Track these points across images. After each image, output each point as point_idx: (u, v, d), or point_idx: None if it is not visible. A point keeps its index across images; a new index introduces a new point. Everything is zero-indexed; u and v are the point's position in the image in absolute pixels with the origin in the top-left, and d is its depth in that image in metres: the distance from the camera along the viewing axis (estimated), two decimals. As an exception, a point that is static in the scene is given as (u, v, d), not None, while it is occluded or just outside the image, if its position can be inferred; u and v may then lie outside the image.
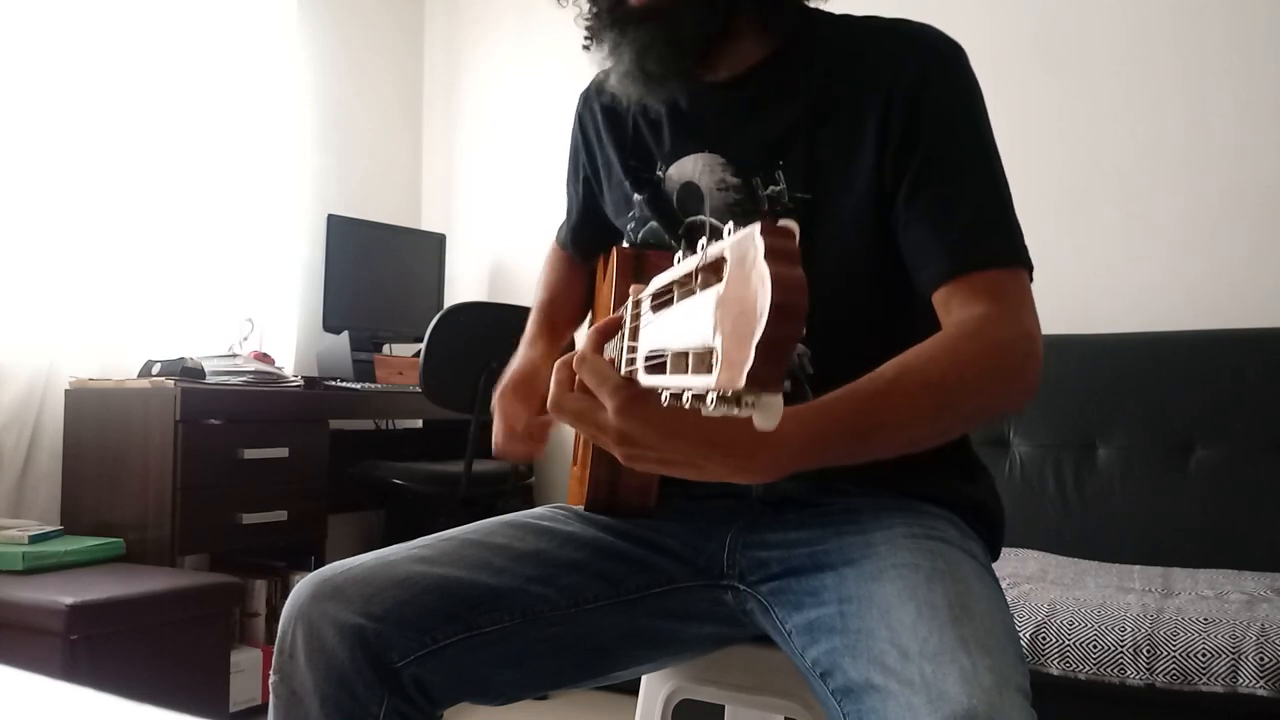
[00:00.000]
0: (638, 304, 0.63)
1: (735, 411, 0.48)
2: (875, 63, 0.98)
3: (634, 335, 0.63)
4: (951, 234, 0.93)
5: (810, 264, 1.00)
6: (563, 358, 0.73)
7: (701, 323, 0.50)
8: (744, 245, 0.47)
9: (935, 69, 0.97)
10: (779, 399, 0.47)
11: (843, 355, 0.96)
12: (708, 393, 0.48)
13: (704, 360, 0.49)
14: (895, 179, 0.96)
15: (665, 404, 0.54)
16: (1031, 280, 0.95)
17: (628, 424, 0.68)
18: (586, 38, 1.04)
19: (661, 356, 0.55)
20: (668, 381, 0.53)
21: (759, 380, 0.44)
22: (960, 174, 0.95)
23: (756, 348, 0.44)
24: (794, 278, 0.45)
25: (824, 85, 1.00)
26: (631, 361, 0.62)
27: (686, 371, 0.51)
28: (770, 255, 0.45)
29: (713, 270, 0.50)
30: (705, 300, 0.50)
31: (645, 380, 0.58)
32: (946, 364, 0.84)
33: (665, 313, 0.56)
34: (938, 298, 0.93)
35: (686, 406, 0.51)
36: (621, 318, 0.68)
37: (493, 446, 1.13)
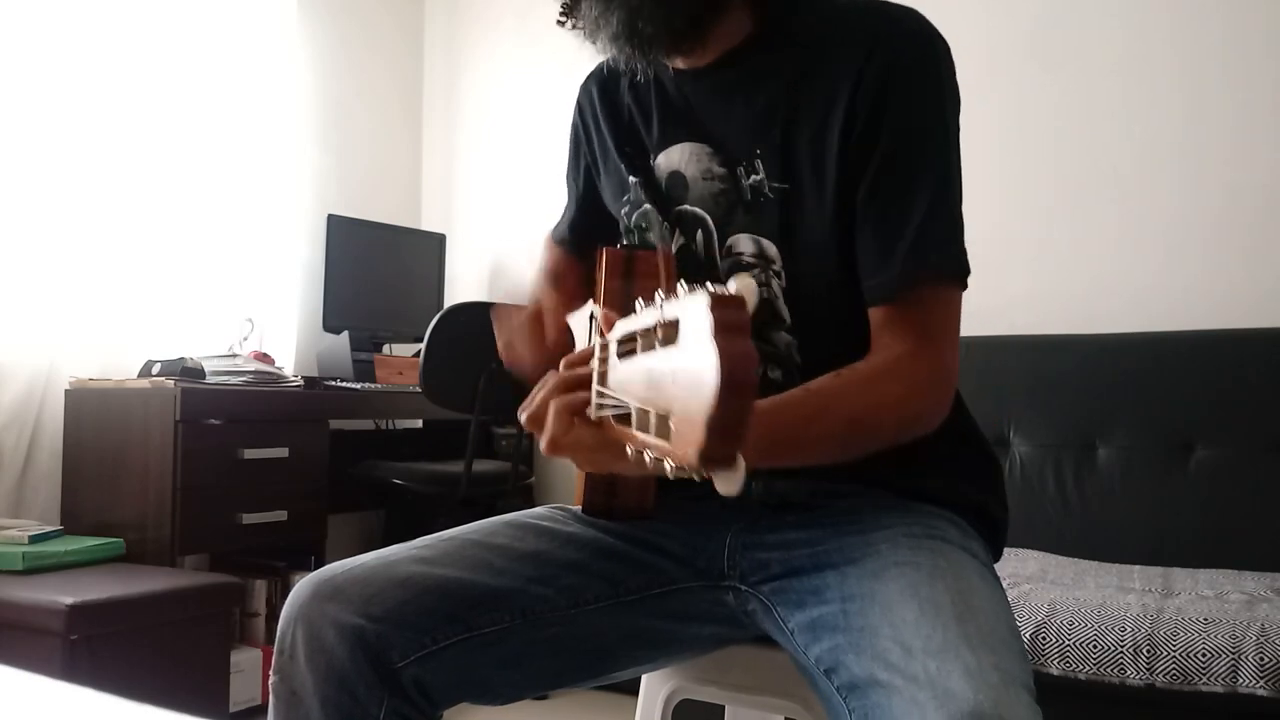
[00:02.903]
0: (605, 348, 0.63)
1: (695, 478, 0.49)
2: (850, 45, 0.96)
3: (602, 380, 0.63)
4: (895, 255, 0.94)
5: (790, 255, 1.01)
6: (567, 399, 0.73)
7: (659, 385, 0.50)
8: (694, 315, 0.47)
9: (906, 57, 0.95)
10: (740, 469, 0.48)
11: (828, 342, 0.98)
12: (666, 458, 0.49)
13: (664, 423, 0.49)
14: (857, 172, 0.95)
15: (631, 457, 0.54)
16: (966, 285, 0.96)
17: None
18: (562, 12, 1.02)
19: (626, 408, 0.56)
20: (633, 434, 0.54)
21: (712, 458, 0.45)
22: (915, 182, 0.94)
23: (708, 427, 0.44)
24: (742, 353, 0.44)
25: (802, 67, 0.98)
26: (601, 407, 0.62)
27: (649, 429, 0.51)
28: (719, 330, 0.44)
29: (672, 326, 0.50)
30: (662, 361, 0.50)
31: (614, 427, 0.60)
32: (871, 403, 0.90)
33: (629, 363, 0.57)
34: (874, 315, 0.96)
35: (650, 466, 0.51)
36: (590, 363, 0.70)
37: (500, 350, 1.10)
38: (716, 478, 0.48)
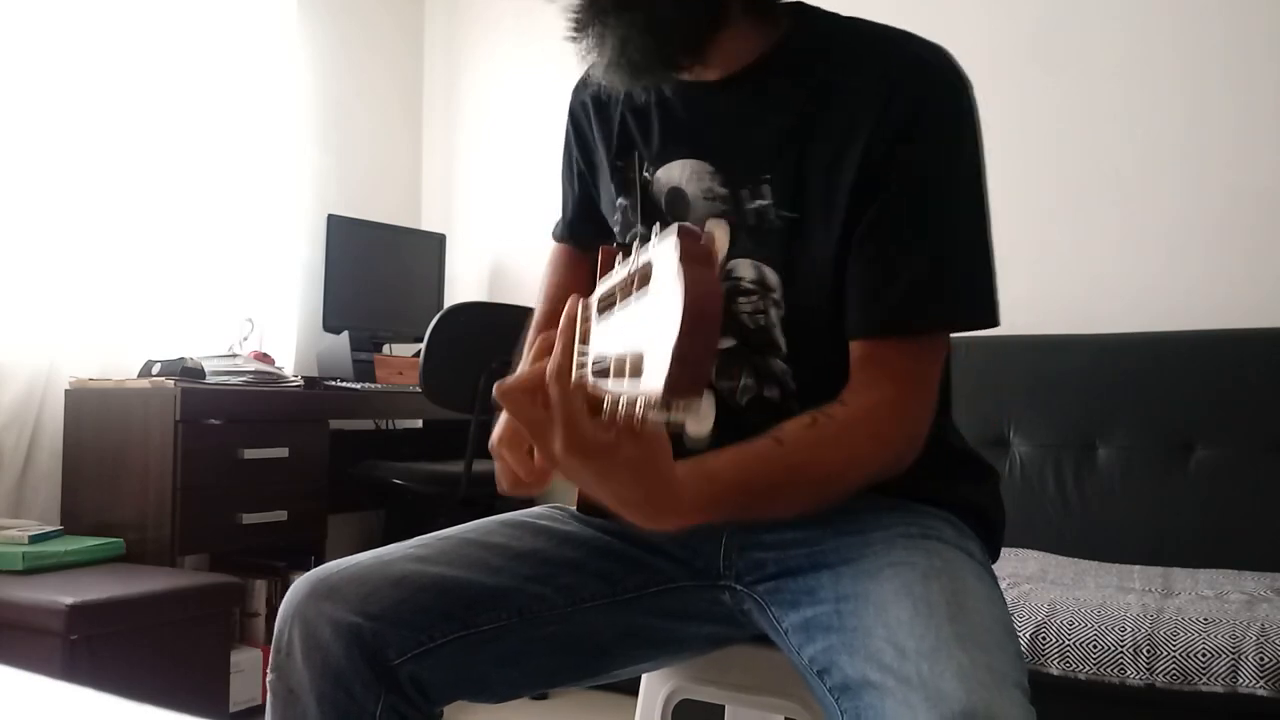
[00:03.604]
0: (587, 308, 0.63)
1: (667, 418, 0.49)
2: (873, 80, 0.92)
3: (584, 339, 0.63)
4: (885, 295, 0.92)
5: (791, 284, 1.00)
6: (541, 341, 0.70)
7: (634, 329, 0.51)
8: (664, 252, 0.48)
9: (930, 101, 0.92)
10: (709, 405, 0.48)
11: (823, 369, 0.97)
12: (637, 399, 0.49)
13: (637, 367, 0.49)
14: (863, 209, 0.93)
15: (606, 409, 0.54)
16: (993, 323, 0.95)
17: (567, 460, 0.68)
18: (574, 29, 1.02)
19: (606, 362, 0.56)
20: (610, 386, 0.54)
21: (678, 387, 0.45)
22: (919, 227, 0.92)
23: (673, 355, 0.44)
24: (707, 282, 0.45)
25: (818, 95, 0.95)
26: (582, 366, 0.63)
27: (625, 377, 0.51)
28: (685, 260, 0.45)
29: (645, 272, 0.51)
30: (637, 307, 0.51)
31: (592, 384, 0.60)
32: (842, 459, 0.89)
33: (608, 318, 0.57)
34: (854, 348, 0.94)
35: (623, 413, 0.52)
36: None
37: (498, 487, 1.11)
38: (689, 414, 0.48)
